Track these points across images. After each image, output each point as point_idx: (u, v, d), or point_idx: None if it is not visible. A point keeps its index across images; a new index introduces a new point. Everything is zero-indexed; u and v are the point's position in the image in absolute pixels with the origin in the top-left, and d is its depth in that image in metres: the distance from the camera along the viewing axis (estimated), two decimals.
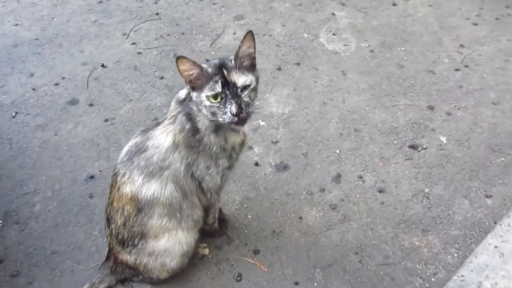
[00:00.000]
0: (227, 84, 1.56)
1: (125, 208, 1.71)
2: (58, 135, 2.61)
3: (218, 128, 1.68)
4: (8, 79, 2.91)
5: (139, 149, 1.71)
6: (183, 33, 3.24)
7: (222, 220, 2.16)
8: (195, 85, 1.60)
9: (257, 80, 1.66)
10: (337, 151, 2.52)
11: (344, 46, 3.22)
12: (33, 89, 2.85)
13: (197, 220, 1.87)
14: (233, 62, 1.60)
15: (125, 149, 1.76)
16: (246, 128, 1.81)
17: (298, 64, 3.06)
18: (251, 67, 1.65)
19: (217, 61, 1.61)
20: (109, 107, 2.74)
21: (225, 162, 1.78)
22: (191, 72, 1.56)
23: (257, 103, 1.67)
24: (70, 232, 2.17)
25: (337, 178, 2.38)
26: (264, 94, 2.84)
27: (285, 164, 2.45)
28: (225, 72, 1.56)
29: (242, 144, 1.84)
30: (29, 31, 3.25)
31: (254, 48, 1.64)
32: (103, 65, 3.00)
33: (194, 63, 1.55)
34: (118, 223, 1.74)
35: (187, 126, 1.69)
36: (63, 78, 2.92)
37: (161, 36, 3.23)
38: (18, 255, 2.06)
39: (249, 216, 2.22)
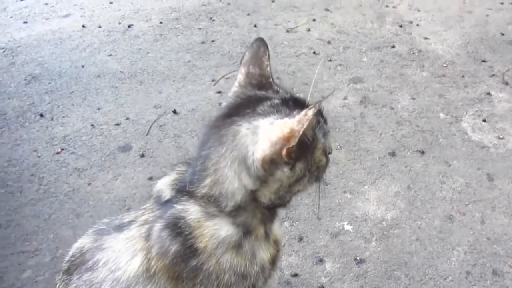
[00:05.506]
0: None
1: None
2: (91, 185, 2.10)
3: (247, 234, 0.96)
4: (74, 110, 2.54)
5: (84, 262, 1.02)
6: None
7: None
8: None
9: None
10: None
11: (498, 139, 2.25)
12: (92, 125, 2.42)
13: None
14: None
15: (72, 248, 1.09)
16: (278, 230, 1.07)
17: (422, 152, 2.18)
18: None
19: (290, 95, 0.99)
20: (161, 162, 2.16)
21: None
22: (306, 132, 0.89)
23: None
24: None
25: None
26: (362, 185, 2.01)
27: None
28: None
29: (274, 260, 1.04)
30: (118, 63, 2.91)
31: None
32: (174, 111, 2.47)
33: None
34: None
35: (174, 248, 0.95)
36: (127, 118, 2.46)
37: None
38: None
39: None
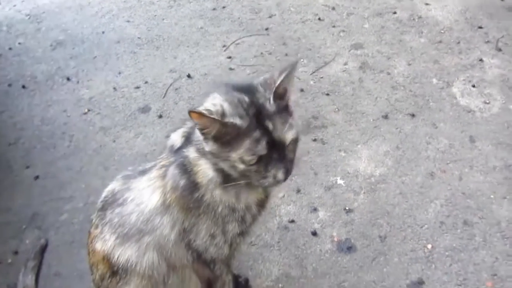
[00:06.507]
0: (273, 143, 1.10)
1: (99, 266, 1.33)
2: (116, 142, 2.37)
3: (226, 180, 1.21)
4: (97, 74, 2.79)
5: (115, 200, 1.31)
6: (286, 54, 2.79)
7: None
8: (220, 140, 1.13)
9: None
10: (429, 246, 1.82)
11: (484, 104, 2.45)
12: (114, 88, 2.67)
13: None
14: (272, 103, 1.11)
15: (104, 192, 1.38)
16: None
17: (413, 115, 2.40)
18: (288, 107, 1.17)
19: (245, 99, 1.12)
20: (177, 122, 2.41)
21: (236, 227, 1.29)
22: (209, 129, 1.10)
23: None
24: (81, 255, 1.88)
25: (417, 285, 1.70)
26: (356, 145, 2.25)
27: (351, 244, 1.84)
28: (270, 127, 1.09)
29: (263, 203, 1.33)
30: (136, 29, 3.12)
31: (293, 82, 1.18)
32: (189, 76, 2.70)
33: (212, 119, 1.06)
34: (96, 277, 1.37)
35: (182, 182, 1.24)
36: (146, 82, 2.70)
37: (261, 54, 2.83)
38: None
39: None
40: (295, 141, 1.16)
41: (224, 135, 1.09)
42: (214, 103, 1.12)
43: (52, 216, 2.05)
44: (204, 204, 1.25)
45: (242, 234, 1.32)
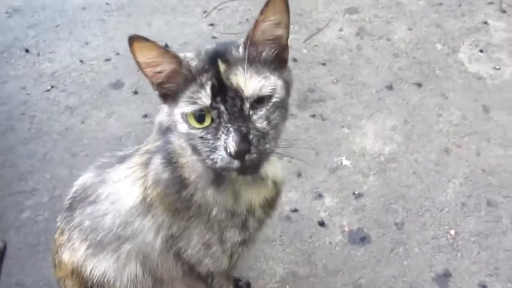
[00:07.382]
0: (224, 91, 0.79)
1: (67, 283, 1.06)
2: (85, 123, 2.06)
3: (219, 176, 0.92)
4: (60, 45, 2.44)
5: (86, 197, 1.02)
6: None
7: None
8: (168, 92, 0.85)
9: (286, 87, 0.86)
10: (452, 232, 1.61)
11: (494, 70, 2.23)
12: (81, 61, 2.34)
13: None
14: (241, 49, 0.82)
15: (73, 186, 1.09)
16: (279, 171, 1.01)
17: (419, 85, 2.15)
18: (277, 63, 0.85)
19: (212, 46, 0.86)
20: (154, 99, 2.11)
21: (236, 235, 1.01)
22: (158, 68, 0.82)
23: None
24: (48, 259, 1.58)
25: (443, 278, 1.48)
26: (359, 120, 2.00)
27: (364, 234, 1.61)
28: (222, 68, 0.80)
29: (271, 203, 1.04)
30: None
31: (287, 26, 0.84)
32: (166, 45, 2.38)
33: (166, 51, 0.80)
34: None
35: (165, 176, 0.96)
36: (117, 53, 2.37)
37: (247, 20, 2.53)
38: None
39: None
40: (273, 102, 0.82)
41: (174, 81, 0.83)
42: None
43: (11, 214, 1.76)
44: (194, 206, 0.96)
45: (245, 242, 1.04)
